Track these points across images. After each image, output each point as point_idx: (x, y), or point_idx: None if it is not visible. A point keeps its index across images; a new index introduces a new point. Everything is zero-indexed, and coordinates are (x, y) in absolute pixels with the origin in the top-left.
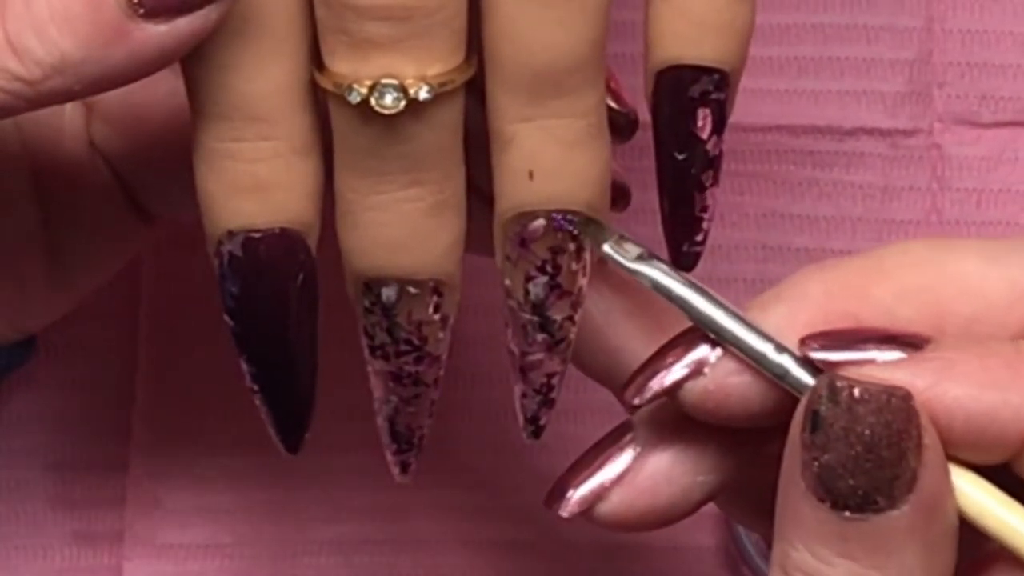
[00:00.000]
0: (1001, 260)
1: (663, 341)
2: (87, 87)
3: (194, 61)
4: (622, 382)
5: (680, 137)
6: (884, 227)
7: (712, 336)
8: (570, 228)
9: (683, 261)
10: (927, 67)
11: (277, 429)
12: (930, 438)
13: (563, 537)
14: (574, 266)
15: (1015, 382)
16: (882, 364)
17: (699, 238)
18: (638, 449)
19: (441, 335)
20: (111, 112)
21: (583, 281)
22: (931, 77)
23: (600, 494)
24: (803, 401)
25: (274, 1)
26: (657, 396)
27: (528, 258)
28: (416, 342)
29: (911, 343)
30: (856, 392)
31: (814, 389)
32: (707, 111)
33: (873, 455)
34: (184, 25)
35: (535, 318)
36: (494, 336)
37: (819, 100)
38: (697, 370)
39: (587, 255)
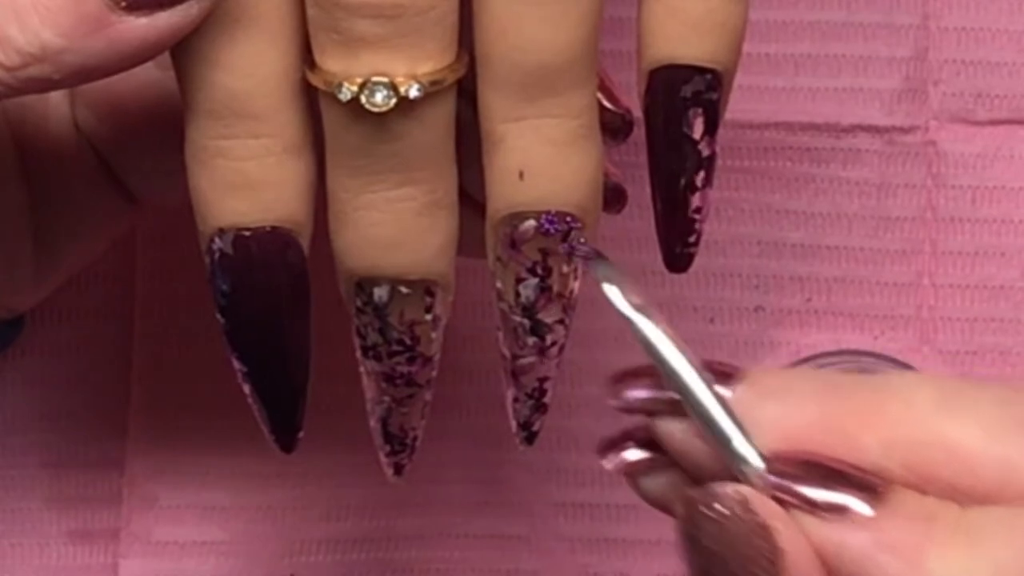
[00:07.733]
0: (1003, 439)
1: None
2: (68, 77)
3: (185, 57)
4: None
5: (672, 137)
6: (880, 223)
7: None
8: (557, 230)
9: (676, 262)
10: (923, 64)
11: (271, 429)
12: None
13: (556, 531)
14: (565, 268)
15: None
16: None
17: (692, 239)
18: None
19: (434, 336)
20: (91, 97)
21: (575, 284)
22: (927, 74)
23: None
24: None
25: None
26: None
27: (518, 260)
28: (408, 342)
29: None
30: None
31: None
32: (699, 111)
33: None
34: (165, 19)
35: (526, 320)
36: (488, 332)
37: (816, 97)
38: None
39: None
